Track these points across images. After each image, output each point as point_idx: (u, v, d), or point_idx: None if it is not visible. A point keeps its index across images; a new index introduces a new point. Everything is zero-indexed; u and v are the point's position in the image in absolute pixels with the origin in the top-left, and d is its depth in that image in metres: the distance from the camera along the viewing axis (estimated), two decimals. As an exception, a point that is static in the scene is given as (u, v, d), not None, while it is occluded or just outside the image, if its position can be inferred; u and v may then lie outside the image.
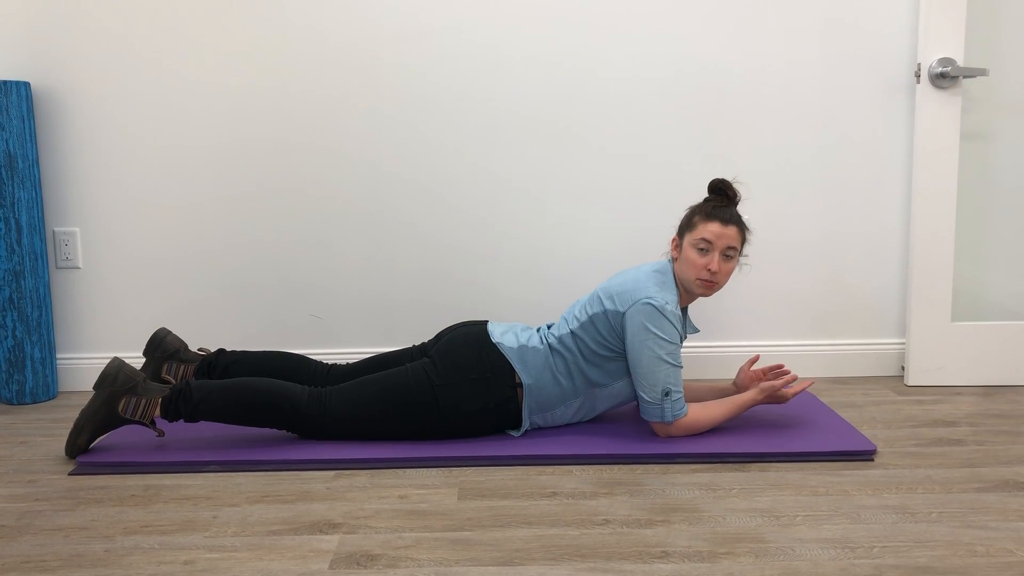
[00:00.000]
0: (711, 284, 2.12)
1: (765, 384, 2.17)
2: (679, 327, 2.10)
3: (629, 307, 2.08)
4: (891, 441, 2.16)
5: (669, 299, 2.09)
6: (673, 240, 2.19)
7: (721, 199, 2.15)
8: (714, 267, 2.09)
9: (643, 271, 2.16)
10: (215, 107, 2.65)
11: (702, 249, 2.10)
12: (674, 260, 2.19)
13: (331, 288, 2.73)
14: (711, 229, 2.09)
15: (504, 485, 1.90)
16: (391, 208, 2.70)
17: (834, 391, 2.61)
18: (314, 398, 2.09)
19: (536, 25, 2.63)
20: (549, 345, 2.15)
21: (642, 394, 2.09)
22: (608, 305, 2.11)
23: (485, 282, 2.73)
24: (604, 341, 2.11)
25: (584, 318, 2.14)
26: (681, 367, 2.09)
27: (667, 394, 2.06)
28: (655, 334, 2.05)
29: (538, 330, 2.23)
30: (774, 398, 2.19)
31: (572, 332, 2.14)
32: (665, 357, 2.06)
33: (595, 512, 1.75)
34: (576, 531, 1.67)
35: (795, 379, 2.21)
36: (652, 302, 2.06)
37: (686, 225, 2.16)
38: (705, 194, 2.66)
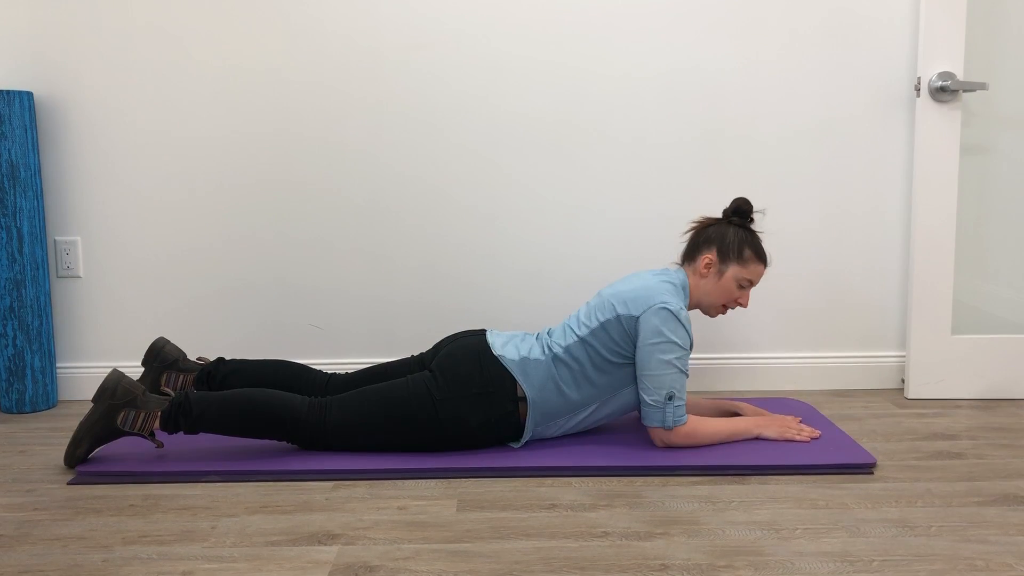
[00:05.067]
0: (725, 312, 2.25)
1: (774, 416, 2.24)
2: (691, 334, 2.11)
3: (644, 311, 2.08)
4: (891, 454, 2.16)
5: (683, 306, 2.12)
6: (707, 258, 2.17)
7: (749, 220, 2.23)
8: (746, 303, 2.21)
9: (652, 279, 2.17)
10: (218, 118, 2.66)
11: (742, 286, 2.18)
12: (701, 277, 2.19)
13: (332, 296, 2.74)
14: (759, 271, 2.19)
15: (503, 497, 1.90)
16: (392, 215, 2.70)
17: (834, 403, 2.61)
18: (314, 409, 2.08)
19: (543, 27, 2.64)
20: (554, 355, 2.13)
21: (645, 396, 2.08)
22: (621, 310, 2.10)
23: (489, 287, 2.74)
24: (616, 347, 2.10)
25: (594, 324, 2.12)
26: (687, 375, 2.09)
27: (670, 398, 2.06)
28: (669, 338, 2.06)
29: (537, 337, 2.21)
30: (779, 427, 2.19)
31: (581, 339, 2.12)
32: (675, 362, 2.06)
33: (594, 524, 1.75)
34: (575, 543, 1.66)
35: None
36: (668, 307, 2.07)
37: (735, 256, 2.17)
38: (707, 202, 2.68)
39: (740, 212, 2.22)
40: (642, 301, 2.09)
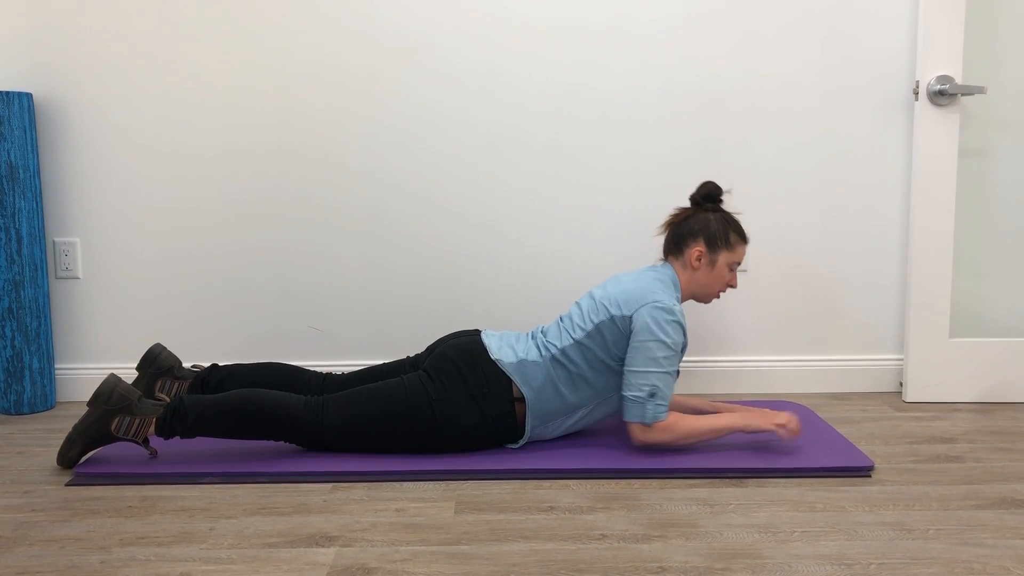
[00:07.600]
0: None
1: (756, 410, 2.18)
2: (685, 333, 2.11)
3: (637, 309, 2.08)
4: (889, 457, 2.16)
5: (676, 302, 2.11)
6: (697, 250, 2.17)
7: (720, 202, 2.26)
8: (736, 284, 2.25)
9: (645, 277, 2.16)
10: (215, 118, 2.66)
11: (732, 269, 2.22)
12: (693, 269, 2.19)
13: (330, 298, 2.74)
14: (744, 251, 2.23)
15: (501, 499, 1.90)
16: (390, 218, 2.71)
17: (832, 407, 2.61)
18: (310, 408, 2.08)
19: (535, 36, 2.64)
20: (551, 356, 2.13)
21: (627, 393, 2.06)
22: (615, 311, 2.10)
23: (484, 291, 2.74)
24: (611, 349, 2.10)
25: (589, 327, 2.12)
26: (675, 375, 2.08)
27: (652, 395, 2.04)
28: (658, 337, 2.05)
29: (532, 336, 2.20)
30: (764, 421, 2.10)
31: (577, 342, 2.12)
32: (662, 360, 2.05)
33: (592, 527, 1.75)
34: (573, 546, 1.66)
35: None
36: (661, 305, 2.07)
37: (723, 243, 2.18)
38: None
39: (711, 197, 2.23)
40: (635, 300, 2.10)
